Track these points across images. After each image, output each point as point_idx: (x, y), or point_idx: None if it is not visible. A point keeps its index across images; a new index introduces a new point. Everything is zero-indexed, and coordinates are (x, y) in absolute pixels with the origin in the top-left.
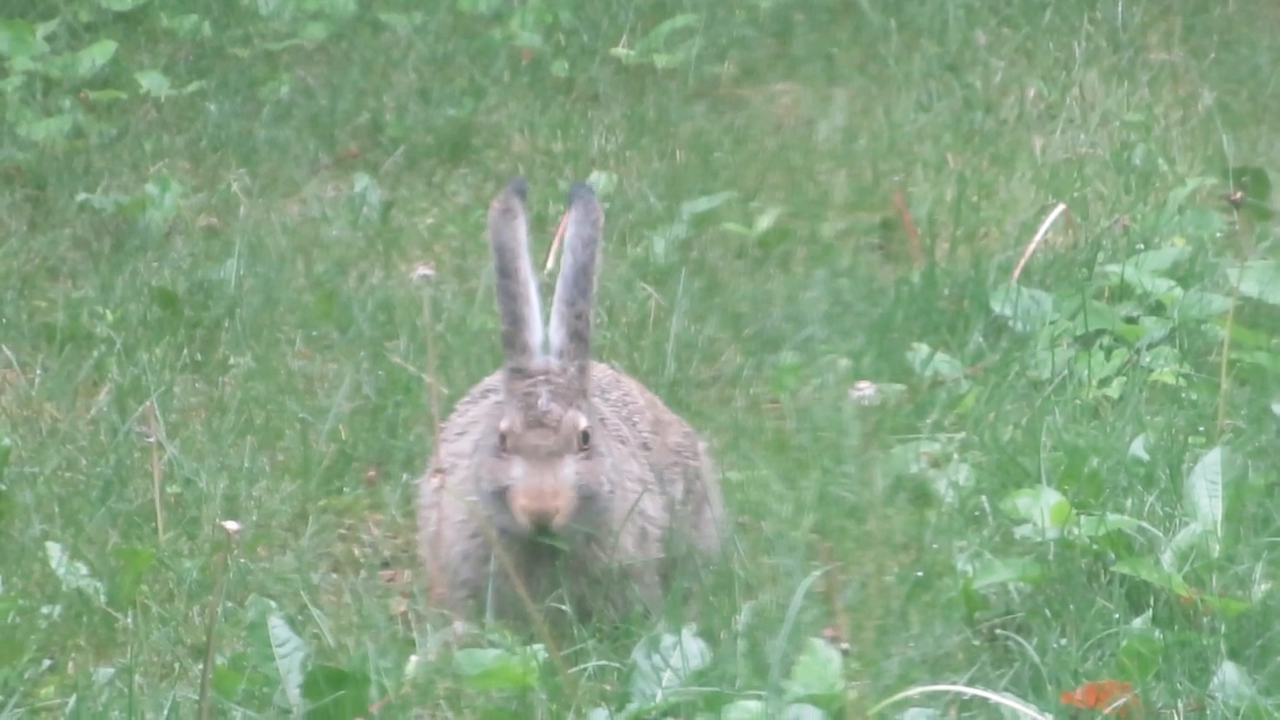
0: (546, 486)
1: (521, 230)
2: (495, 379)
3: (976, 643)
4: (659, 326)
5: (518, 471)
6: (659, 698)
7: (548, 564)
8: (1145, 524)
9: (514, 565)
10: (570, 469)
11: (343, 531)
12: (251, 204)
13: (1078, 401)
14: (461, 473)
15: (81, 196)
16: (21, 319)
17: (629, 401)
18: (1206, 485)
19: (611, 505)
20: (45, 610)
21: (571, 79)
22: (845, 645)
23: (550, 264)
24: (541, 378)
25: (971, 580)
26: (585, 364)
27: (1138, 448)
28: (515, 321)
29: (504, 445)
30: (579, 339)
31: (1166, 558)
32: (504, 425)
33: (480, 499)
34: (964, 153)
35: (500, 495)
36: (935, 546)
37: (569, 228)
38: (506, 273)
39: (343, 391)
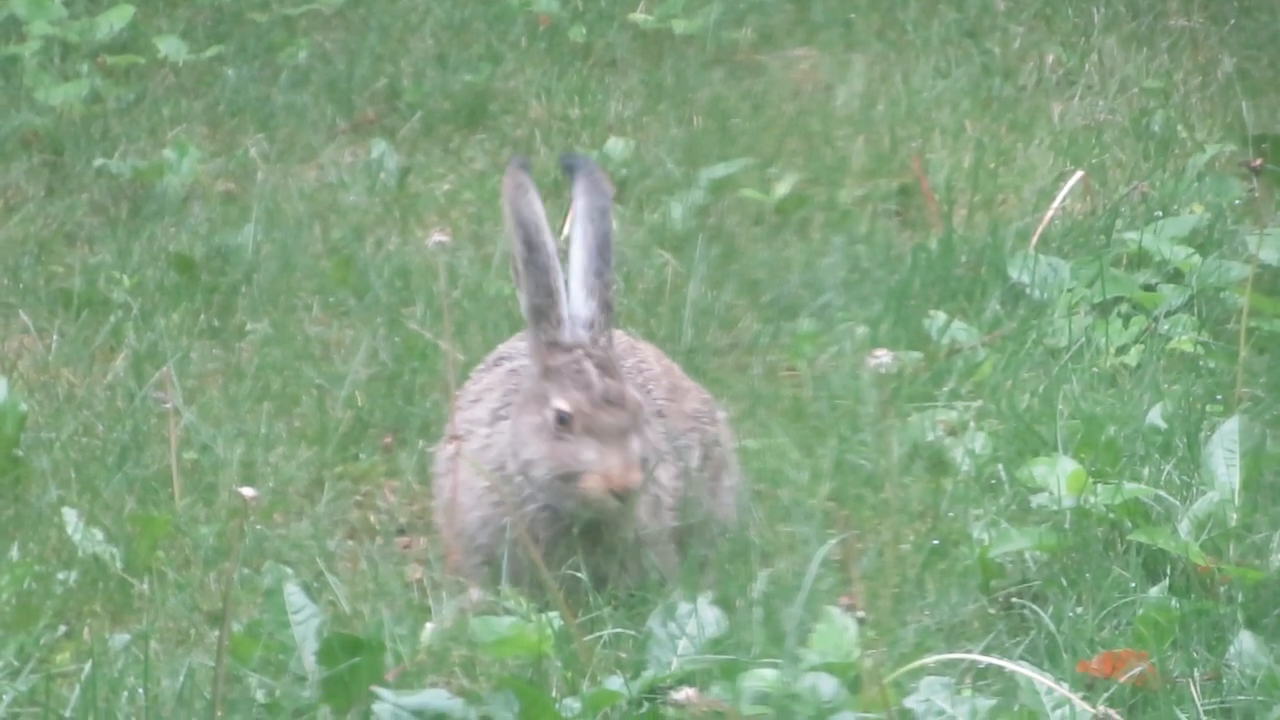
0: (629, 464)
1: (538, 203)
2: (508, 346)
3: (992, 611)
4: (676, 293)
5: (591, 454)
6: (675, 665)
7: (565, 532)
8: (1162, 492)
9: (531, 534)
10: (637, 445)
11: (359, 498)
12: (269, 169)
13: (1095, 369)
14: (479, 440)
15: (99, 162)
16: (39, 284)
17: (644, 368)
18: (1224, 454)
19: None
20: (61, 576)
21: (589, 44)
22: (861, 613)
23: (567, 229)
24: (581, 352)
25: (988, 548)
26: (612, 333)
27: (1155, 416)
28: (549, 294)
29: (569, 427)
30: (608, 308)
31: (1184, 526)
32: (565, 405)
33: (534, 484)
34: (982, 119)
35: (571, 479)
36: (951, 515)
37: (579, 199)
38: (533, 246)
39: (359, 358)
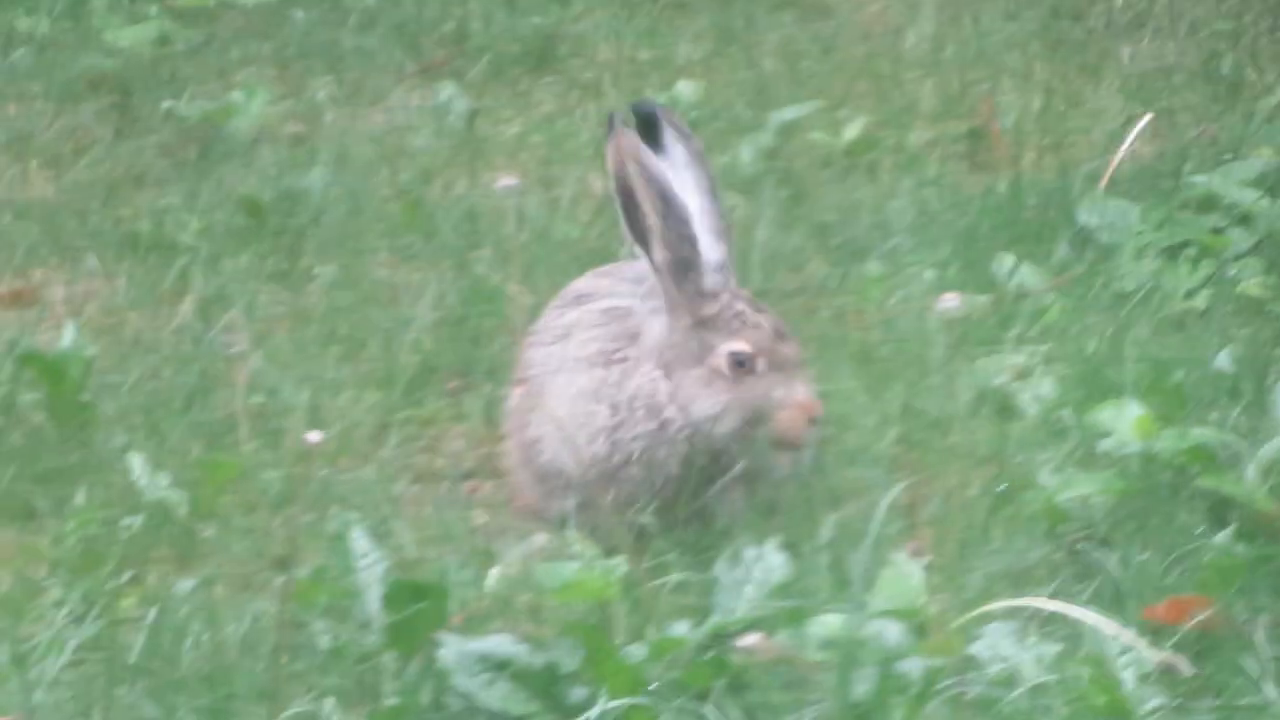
0: (814, 391)
1: (654, 156)
2: (587, 284)
3: (1058, 557)
4: (745, 236)
5: (781, 390)
6: (740, 612)
7: (692, 473)
8: (1230, 437)
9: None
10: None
11: (425, 443)
12: (337, 112)
13: (1163, 313)
14: (592, 378)
15: (167, 104)
16: (106, 227)
17: None
18: None
19: None
20: (126, 522)
21: None
22: (927, 559)
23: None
24: (727, 295)
25: (1054, 494)
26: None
27: (1223, 360)
28: (693, 244)
29: (750, 368)
30: (731, 249)
31: (1250, 472)
32: (744, 346)
33: (716, 437)
34: (1051, 61)
35: (763, 420)
36: (1018, 460)
37: (676, 145)
38: (668, 199)
39: (426, 301)
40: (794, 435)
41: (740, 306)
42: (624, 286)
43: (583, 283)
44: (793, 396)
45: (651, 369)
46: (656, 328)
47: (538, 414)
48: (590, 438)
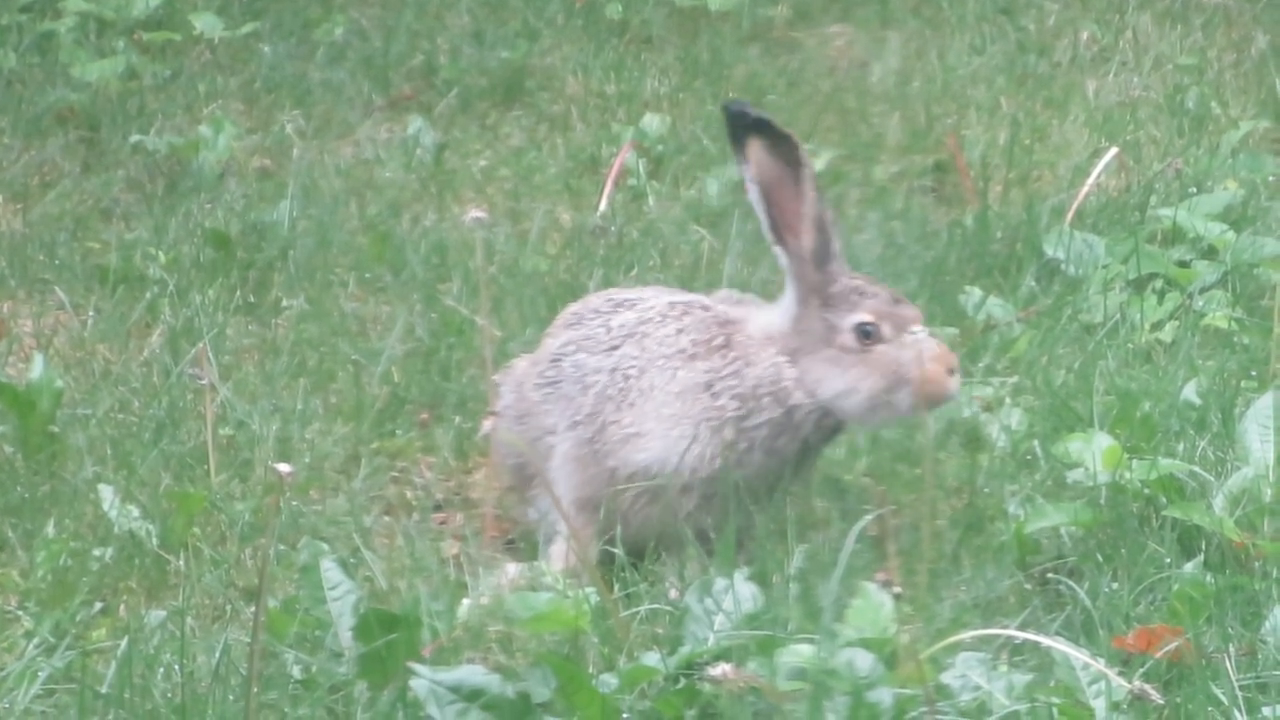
0: (943, 344)
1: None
2: (623, 294)
3: (1028, 587)
4: (712, 269)
5: (910, 353)
6: (711, 641)
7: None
8: (1197, 468)
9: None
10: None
11: (395, 474)
12: (305, 146)
13: (1130, 345)
14: (695, 372)
15: (135, 138)
16: (75, 260)
17: None
18: (1259, 429)
19: None
20: (97, 553)
21: (625, 21)
22: (897, 589)
23: (604, 205)
24: (845, 278)
25: (1023, 524)
26: None
27: (1190, 392)
28: (829, 230)
29: (876, 337)
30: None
31: (1218, 502)
32: (867, 316)
33: (851, 412)
34: (1017, 96)
35: (899, 385)
36: (987, 490)
37: (767, 150)
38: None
39: (395, 334)
40: (939, 389)
41: (857, 282)
42: (655, 289)
43: (618, 293)
44: (925, 353)
45: (774, 355)
46: (777, 316)
47: (631, 414)
48: (715, 429)
